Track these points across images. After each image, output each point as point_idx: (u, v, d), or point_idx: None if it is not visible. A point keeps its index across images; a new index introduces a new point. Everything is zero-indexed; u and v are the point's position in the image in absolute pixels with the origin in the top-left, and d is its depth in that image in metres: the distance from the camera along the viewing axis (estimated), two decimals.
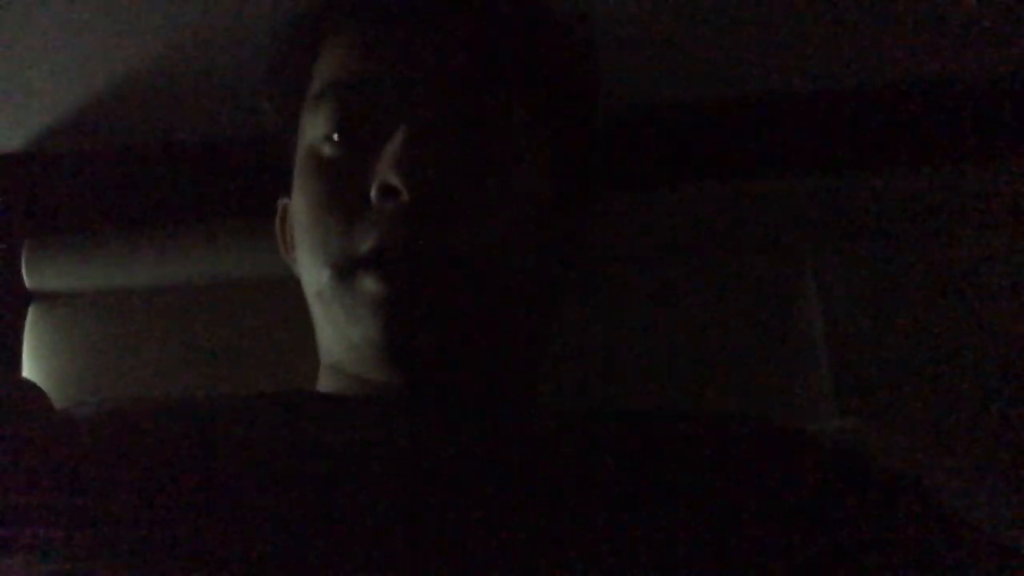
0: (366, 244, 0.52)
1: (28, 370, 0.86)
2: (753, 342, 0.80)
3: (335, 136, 0.56)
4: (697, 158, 0.90)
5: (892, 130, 0.91)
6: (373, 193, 0.52)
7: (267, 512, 0.43)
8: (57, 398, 0.74)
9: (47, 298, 0.89)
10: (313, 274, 0.56)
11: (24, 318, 0.88)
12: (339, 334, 0.56)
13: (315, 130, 0.57)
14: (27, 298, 0.89)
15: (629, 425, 0.51)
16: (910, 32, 0.89)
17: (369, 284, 0.52)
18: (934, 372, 0.79)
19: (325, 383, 0.60)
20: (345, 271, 0.53)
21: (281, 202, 0.68)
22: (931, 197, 0.84)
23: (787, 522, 0.45)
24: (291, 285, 0.64)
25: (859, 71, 0.92)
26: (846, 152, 0.91)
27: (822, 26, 0.89)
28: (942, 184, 0.84)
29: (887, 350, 0.79)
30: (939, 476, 0.68)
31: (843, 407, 0.77)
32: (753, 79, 0.92)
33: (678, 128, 0.91)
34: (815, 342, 0.79)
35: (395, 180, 0.51)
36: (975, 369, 0.78)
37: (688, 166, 0.90)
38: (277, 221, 0.69)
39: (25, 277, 0.88)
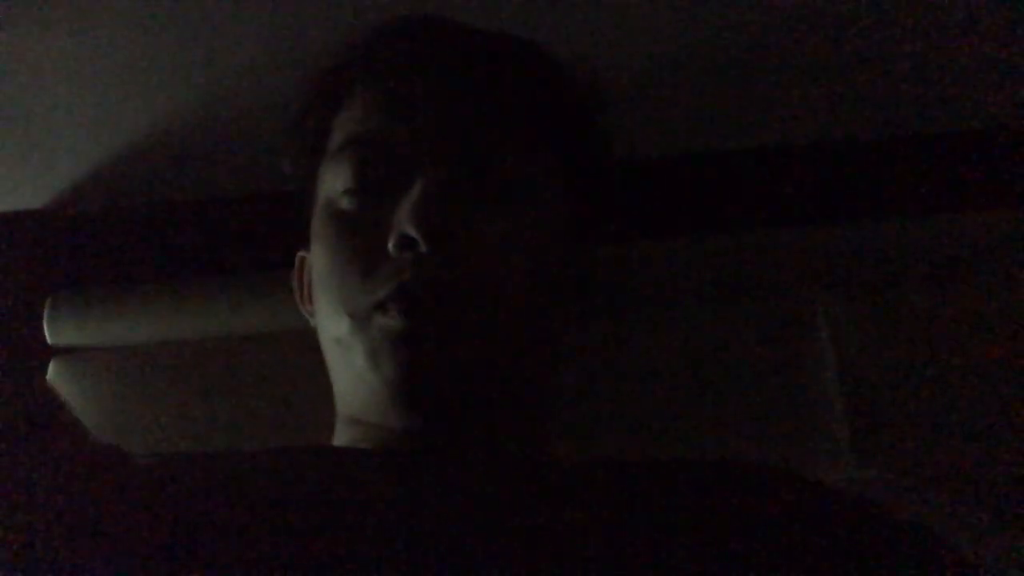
0: (384, 290, 0.53)
1: None
2: (767, 391, 0.79)
3: (353, 190, 0.58)
4: (710, 207, 0.91)
5: (907, 179, 0.91)
6: (391, 244, 0.54)
7: (287, 569, 0.43)
8: None
9: (68, 352, 0.90)
10: (332, 322, 0.57)
11: (45, 372, 0.89)
12: (356, 380, 0.57)
13: (334, 184, 0.59)
14: (49, 352, 0.90)
15: (643, 474, 0.51)
16: (924, 83, 0.90)
17: (387, 322, 0.53)
18: (953, 420, 0.78)
19: (342, 434, 0.61)
20: (364, 316, 0.54)
21: (299, 255, 0.69)
22: (946, 244, 0.84)
23: (802, 573, 0.45)
24: (307, 338, 0.65)
25: (874, 122, 0.93)
26: (859, 201, 0.91)
27: (835, 78, 0.90)
28: (957, 231, 0.84)
29: (904, 398, 0.79)
30: (959, 528, 0.67)
31: (860, 457, 0.77)
32: (769, 130, 0.93)
33: (693, 178, 0.92)
34: (830, 391, 0.79)
35: (412, 231, 0.53)
36: (996, 417, 0.77)
37: (702, 215, 0.91)
38: (295, 273, 0.70)
39: (47, 332, 0.90)
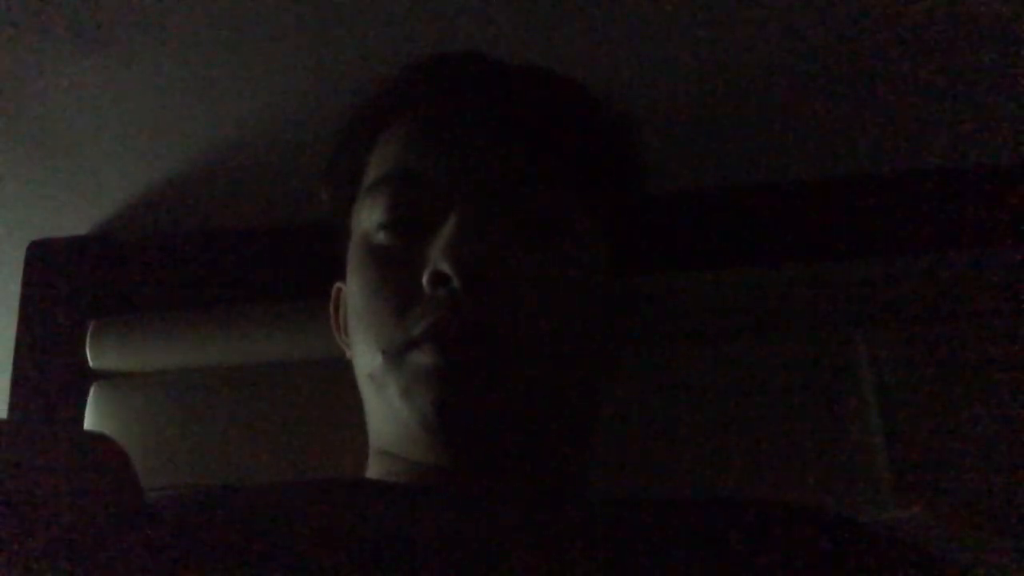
0: (419, 327, 0.53)
1: None
2: (806, 428, 0.78)
3: (388, 224, 0.58)
4: (750, 241, 0.90)
5: (950, 212, 0.90)
6: (425, 280, 0.54)
7: None
8: None
9: (109, 377, 0.91)
10: (366, 357, 0.57)
11: (86, 396, 0.90)
12: (390, 414, 0.57)
13: (369, 219, 0.59)
14: (90, 377, 0.91)
15: (680, 513, 0.51)
16: (967, 114, 0.89)
17: (422, 359, 0.53)
18: (998, 458, 0.76)
19: (375, 467, 0.61)
20: (397, 353, 0.54)
21: (336, 286, 0.69)
22: (990, 278, 0.82)
23: None
24: (347, 366, 0.65)
25: (919, 154, 0.92)
26: (902, 234, 0.90)
27: (874, 109, 0.89)
28: (1002, 265, 0.83)
29: (948, 435, 0.77)
30: (1005, 570, 0.66)
31: (901, 496, 0.75)
32: (811, 163, 0.92)
33: (732, 211, 0.92)
34: (870, 427, 0.77)
35: (446, 267, 0.53)
36: None
37: (741, 249, 0.90)
38: (331, 304, 0.70)
39: (89, 357, 0.91)
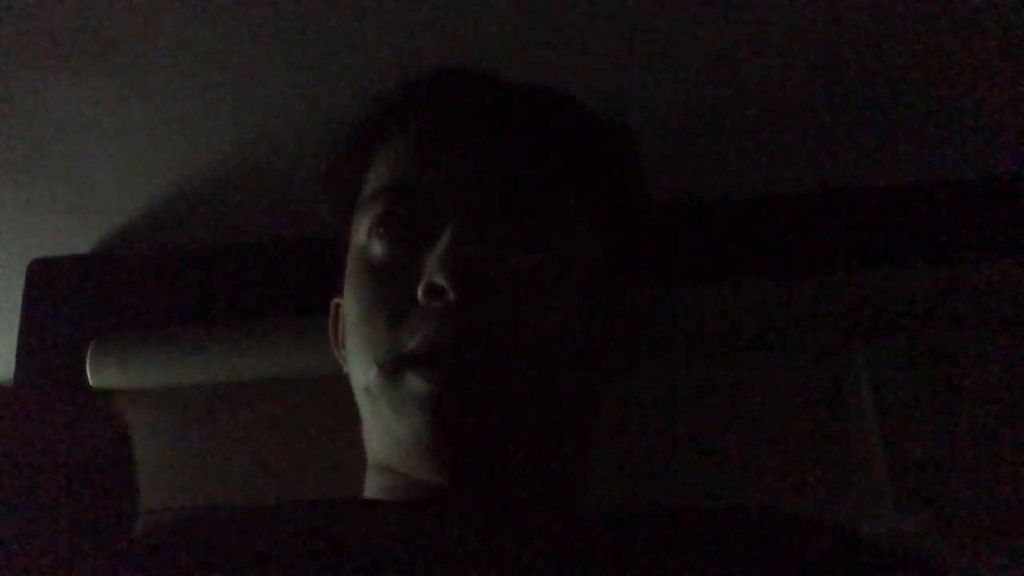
0: (413, 342, 0.53)
1: None
2: (806, 439, 0.78)
3: (384, 236, 0.58)
4: (750, 253, 0.90)
5: (950, 224, 0.90)
6: (420, 293, 0.54)
7: None
8: None
9: (109, 395, 0.91)
10: (361, 371, 0.57)
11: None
12: (386, 431, 0.57)
13: (365, 232, 0.59)
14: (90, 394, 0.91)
15: (679, 524, 0.51)
16: (965, 126, 0.90)
17: (415, 382, 0.53)
18: (998, 470, 0.76)
19: (373, 483, 0.61)
20: (392, 369, 0.54)
21: (334, 302, 0.70)
22: (990, 290, 0.82)
23: None
24: (345, 383, 0.65)
25: (918, 166, 0.92)
26: (902, 246, 0.90)
27: (874, 121, 0.89)
28: (1001, 276, 0.83)
29: (945, 447, 0.77)
30: None
31: (901, 507, 0.75)
32: (811, 175, 0.92)
33: (728, 224, 0.92)
34: (869, 439, 0.78)
35: (441, 280, 0.52)
36: None
37: (741, 260, 0.90)
38: (331, 320, 0.70)
39: (89, 375, 0.91)
